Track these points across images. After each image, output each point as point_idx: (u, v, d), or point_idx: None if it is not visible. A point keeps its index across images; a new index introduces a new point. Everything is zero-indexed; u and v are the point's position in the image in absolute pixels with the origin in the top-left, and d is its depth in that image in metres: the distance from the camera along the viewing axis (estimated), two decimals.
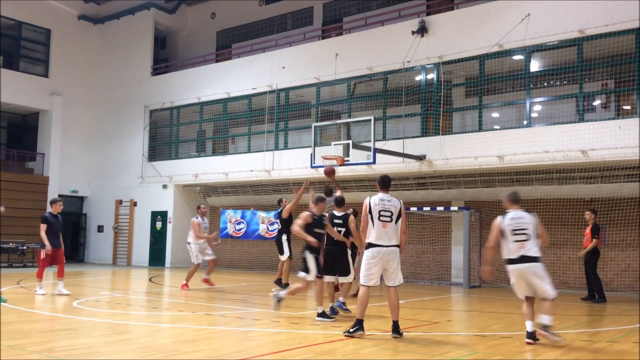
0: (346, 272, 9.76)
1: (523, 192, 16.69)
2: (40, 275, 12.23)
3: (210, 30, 26.41)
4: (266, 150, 20.71)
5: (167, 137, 24.57)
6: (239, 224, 22.77)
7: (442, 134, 16.87)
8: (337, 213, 9.99)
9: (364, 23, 19.99)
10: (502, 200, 8.07)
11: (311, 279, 9.32)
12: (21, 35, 25.52)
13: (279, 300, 9.57)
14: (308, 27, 23.07)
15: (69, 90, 26.13)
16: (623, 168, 14.82)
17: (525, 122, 16.01)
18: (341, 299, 10.08)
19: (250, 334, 8.35)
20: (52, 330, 8.32)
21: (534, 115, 16.42)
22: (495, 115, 17.53)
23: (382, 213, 7.86)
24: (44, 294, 11.89)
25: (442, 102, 17.05)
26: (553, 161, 15.10)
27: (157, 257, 24.09)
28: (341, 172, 17.52)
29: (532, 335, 7.41)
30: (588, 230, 13.50)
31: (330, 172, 12.21)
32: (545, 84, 16.57)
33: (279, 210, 14.43)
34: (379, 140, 16.93)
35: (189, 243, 14.48)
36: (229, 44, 25.73)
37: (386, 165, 17.35)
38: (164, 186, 24.01)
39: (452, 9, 18.04)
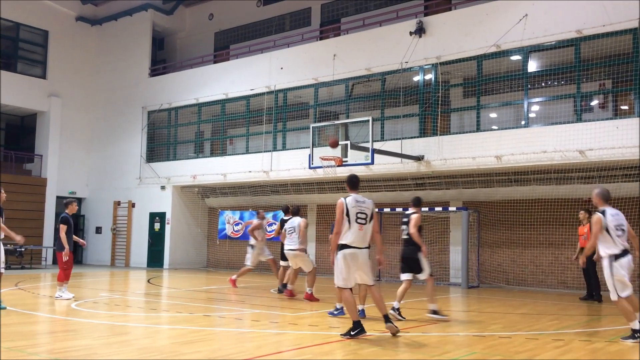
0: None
1: (521, 192, 16.84)
2: (64, 278, 11.76)
3: (208, 31, 26.41)
4: (264, 151, 20.71)
5: (165, 138, 24.56)
6: (237, 224, 22.80)
7: (440, 135, 16.88)
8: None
9: (362, 24, 20.01)
10: (593, 197, 8.26)
11: (425, 277, 9.67)
12: (19, 37, 25.49)
13: (434, 312, 9.67)
14: (306, 28, 23.08)
15: (67, 91, 26.12)
16: (621, 168, 14.84)
17: (523, 122, 16.03)
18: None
19: (249, 334, 8.36)
20: (51, 332, 8.32)
21: (531, 115, 16.44)
22: (493, 115, 17.55)
23: (358, 215, 7.88)
24: (69, 299, 11.52)
25: (440, 102, 17.07)
26: (551, 161, 15.12)
27: (155, 258, 24.07)
28: (340, 172, 17.54)
29: None
30: (585, 229, 13.52)
31: (334, 143, 14.64)
32: (543, 84, 16.59)
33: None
34: (377, 140, 16.94)
35: (252, 246, 14.95)
36: (227, 44, 25.73)
37: (384, 165, 17.38)
38: (162, 187, 24.01)
39: (450, 9, 18.06)
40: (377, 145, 16.31)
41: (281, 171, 20.10)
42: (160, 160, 24.36)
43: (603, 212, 7.94)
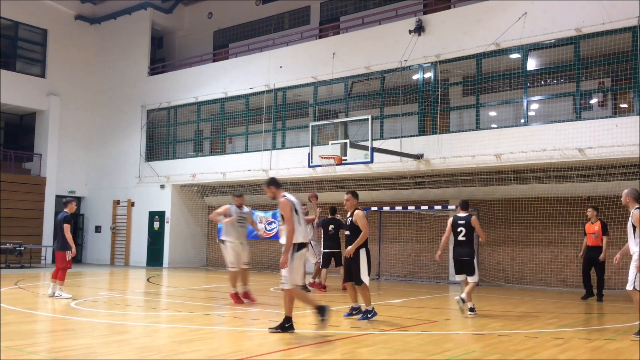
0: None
1: (520, 191, 16.83)
2: (62, 278, 11.79)
3: (207, 29, 26.39)
4: (264, 150, 20.70)
5: (164, 137, 24.54)
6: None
7: (440, 133, 16.88)
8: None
9: (361, 22, 19.99)
10: (624, 197, 8.39)
11: (475, 280, 10.17)
12: (18, 36, 25.47)
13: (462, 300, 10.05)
14: (305, 27, 23.07)
15: (66, 90, 26.10)
16: (620, 166, 14.85)
17: (522, 121, 16.03)
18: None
19: (248, 333, 8.36)
20: (50, 331, 8.32)
21: (531, 113, 16.44)
22: (492, 114, 17.55)
23: (300, 214, 8.15)
24: (69, 297, 11.57)
25: (439, 101, 17.06)
26: (550, 159, 15.12)
27: (155, 257, 24.07)
28: (339, 171, 17.55)
29: None
30: (595, 227, 13.39)
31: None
32: (542, 82, 16.58)
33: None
34: (377, 139, 16.93)
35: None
36: (226, 43, 25.72)
37: (384, 164, 17.37)
38: (162, 186, 24.00)
39: (449, 7, 18.04)
40: (377, 144, 16.31)
41: (280, 170, 20.08)
42: (159, 159, 24.35)
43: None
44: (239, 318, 9.87)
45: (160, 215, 24.05)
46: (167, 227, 23.72)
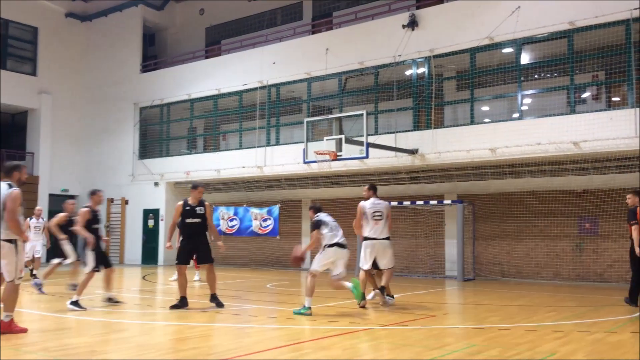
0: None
1: (515, 185, 16.86)
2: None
3: (199, 26, 26.25)
4: (258, 147, 20.64)
5: (157, 134, 24.43)
6: (231, 220, 22.72)
7: (434, 128, 16.87)
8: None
9: (354, 17, 19.94)
10: None
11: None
12: (8, 34, 25.25)
13: None
14: (298, 22, 22.97)
15: (57, 88, 25.92)
16: (615, 159, 14.87)
17: (516, 115, 16.04)
18: None
19: (247, 330, 8.31)
20: (47, 330, 8.24)
21: (525, 107, 16.46)
22: (486, 108, 17.56)
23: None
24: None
25: (433, 95, 17.05)
26: (545, 153, 15.14)
27: (149, 255, 23.98)
28: (334, 167, 17.52)
29: None
30: None
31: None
32: (536, 76, 16.60)
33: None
34: (371, 134, 16.92)
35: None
36: (218, 40, 25.59)
37: (379, 159, 17.35)
38: (156, 184, 23.90)
39: (442, 2, 18.05)
40: (371, 139, 16.29)
41: (275, 166, 20.04)
42: (153, 156, 24.24)
43: None
44: (237, 315, 9.82)
45: (155, 213, 23.95)
46: (161, 224, 23.62)
